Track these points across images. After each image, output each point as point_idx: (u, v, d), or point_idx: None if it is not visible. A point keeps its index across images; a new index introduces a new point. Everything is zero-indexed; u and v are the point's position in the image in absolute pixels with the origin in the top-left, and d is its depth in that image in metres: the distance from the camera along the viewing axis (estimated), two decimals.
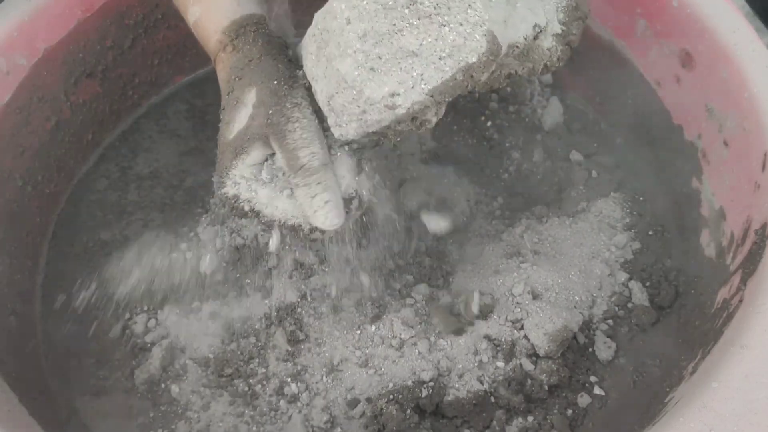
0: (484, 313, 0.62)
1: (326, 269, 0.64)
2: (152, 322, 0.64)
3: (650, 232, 0.69)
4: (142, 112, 0.78)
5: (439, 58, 0.45)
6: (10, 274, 0.64)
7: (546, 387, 0.59)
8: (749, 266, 0.54)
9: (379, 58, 0.46)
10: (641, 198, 0.72)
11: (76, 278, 0.68)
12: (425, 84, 0.46)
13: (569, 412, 0.59)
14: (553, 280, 0.65)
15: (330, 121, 0.50)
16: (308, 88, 0.52)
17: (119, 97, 0.76)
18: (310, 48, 0.50)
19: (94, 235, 0.70)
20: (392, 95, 0.46)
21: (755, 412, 0.44)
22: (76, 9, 0.68)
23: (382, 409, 0.57)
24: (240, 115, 0.54)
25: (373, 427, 0.57)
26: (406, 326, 0.62)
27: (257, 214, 0.53)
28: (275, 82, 0.53)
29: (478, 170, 0.73)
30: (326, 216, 0.50)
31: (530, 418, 0.59)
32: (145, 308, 0.65)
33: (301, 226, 0.52)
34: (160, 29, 0.75)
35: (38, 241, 0.69)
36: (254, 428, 0.58)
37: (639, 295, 0.65)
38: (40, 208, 0.69)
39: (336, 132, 0.50)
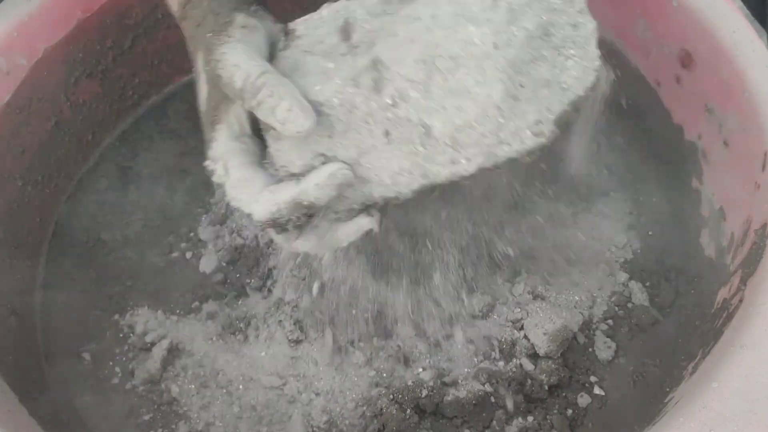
0: (484, 313, 0.62)
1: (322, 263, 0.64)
2: (152, 322, 0.64)
3: (650, 232, 0.69)
4: (142, 112, 0.78)
5: (562, 89, 0.46)
6: (10, 274, 0.64)
7: (546, 387, 0.59)
8: (749, 266, 0.54)
9: (522, 86, 0.45)
10: (641, 198, 0.72)
11: (76, 278, 0.68)
12: (551, 114, 0.46)
13: (569, 412, 0.60)
14: (553, 279, 0.65)
15: (441, 158, 0.46)
16: (239, 26, 0.49)
17: (119, 97, 0.76)
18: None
19: (94, 235, 0.70)
20: (537, 123, 0.46)
21: (755, 412, 0.44)
22: (76, 9, 0.68)
23: (382, 409, 0.58)
24: (201, 84, 0.50)
25: (373, 427, 0.57)
26: (407, 326, 0.62)
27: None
28: (208, 39, 0.49)
29: None
30: (295, 122, 0.45)
31: (530, 418, 0.59)
32: (146, 308, 0.65)
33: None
34: (160, 29, 0.75)
35: (38, 241, 0.69)
36: (254, 428, 0.58)
37: (639, 295, 0.65)
38: (40, 208, 0.69)
39: (450, 170, 0.46)
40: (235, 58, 0.47)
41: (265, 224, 0.48)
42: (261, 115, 0.46)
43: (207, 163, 0.49)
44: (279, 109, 0.45)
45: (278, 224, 0.48)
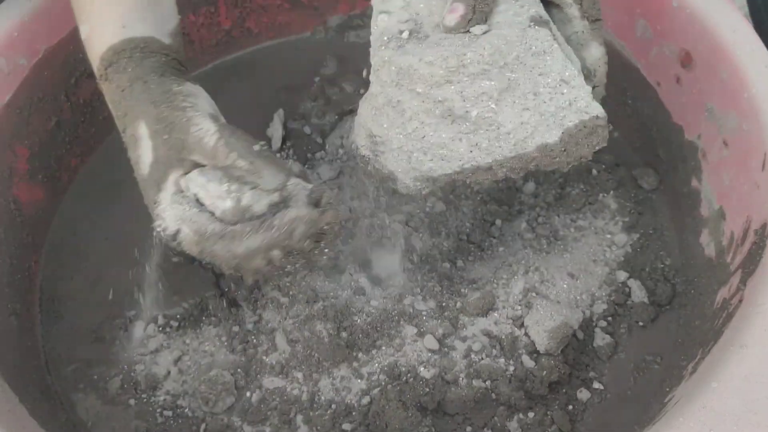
0: (485, 310, 0.62)
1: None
2: (151, 327, 0.64)
3: (650, 232, 0.69)
4: None
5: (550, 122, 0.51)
6: (10, 274, 0.64)
7: (546, 384, 0.59)
8: (749, 266, 0.54)
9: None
10: (641, 197, 0.72)
11: (77, 278, 0.68)
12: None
13: (569, 407, 0.60)
14: (553, 278, 0.65)
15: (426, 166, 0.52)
16: (186, 95, 0.53)
17: None
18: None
19: (94, 234, 0.70)
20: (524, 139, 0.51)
21: (755, 412, 0.44)
22: None
23: (384, 406, 0.58)
24: (144, 150, 0.52)
25: (376, 424, 0.57)
26: (408, 324, 0.62)
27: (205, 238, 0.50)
28: (153, 107, 0.52)
29: None
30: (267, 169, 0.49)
31: (531, 414, 0.59)
32: (146, 312, 0.65)
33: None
34: None
35: (38, 241, 0.69)
36: (258, 430, 0.59)
37: (638, 293, 0.65)
38: (41, 208, 0.69)
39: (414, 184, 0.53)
40: (202, 123, 0.50)
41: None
42: (230, 168, 0.49)
43: (158, 222, 0.51)
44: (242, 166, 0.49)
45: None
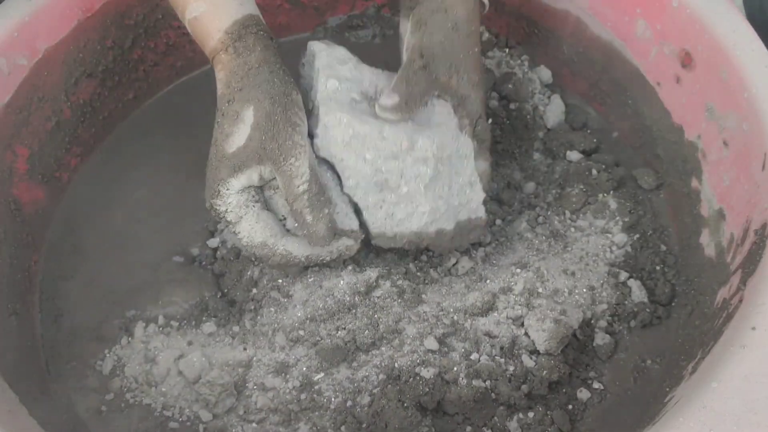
0: (484, 310, 0.62)
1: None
2: (151, 327, 0.64)
3: (650, 232, 0.69)
4: (142, 111, 0.78)
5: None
6: (10, 274, 0.64)
7: (546, 383, 0.59)
8: (749, 266, 0.54)
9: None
10: (641, 197, 0.72)
11: (77, 278, 0.68)
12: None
13: (569, 407, 0.60)
14: (553, 277, 0.65)
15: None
16: (299, 108, 0.58)
17: (119, 97, 0.76)
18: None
19: (94, 234, 0.70)
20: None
21: (755, 412, 0.44)
22: (77, 9, 0.68)
23: (384, 406, 0.58)
24: (239, 132, 0.56)
25: (376, 424, 0.57)
26: (408, 324, 0.62)
27: (238, 238, 0.59)
28: (270, 103, 0.56)
29: None
30: (316, 239, 0.57)
31: (531, 414, 0.59)
32: (146, 313, 0.65)
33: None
34: (160, 29, 0.75)
35: (38, 241, 0.69)
36: (258, 430, 0.59)
37: (638, 293, 0.65)
38: (41, 208, 0.69)
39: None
40: (299, 162, 0.56)
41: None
42: (298, 217, 0.57)
43: (218, 203, 0.58)
44: (317, 225, 0.57)
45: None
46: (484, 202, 0.65)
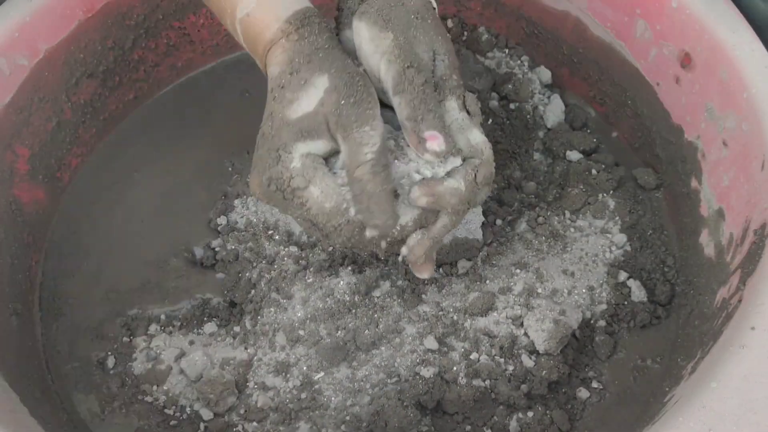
0: (484, 310, 0.62)
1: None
2: (152, 326, 0.64)
3: (650, 232, 0.69)
4: (143, 111, 0.78)
5: None
6: (11, 274, 0.64)
7: (546, 383, 0.59)
8: (748, 266, 0.55)
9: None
10: (641, 197, 0.72)
11: (77, 278, 0.68)
12: None
13: (569, 407, 0.60)
14: (553, 278, 0.65)
15: None
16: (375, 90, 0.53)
17: (120, 97, 0.76)
18: None
19: (94, 234, 0.70)
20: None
21: (755, 412, 0.44)
22: (77, 9, 0.68)
23: (384, 406, 0.58)
24: (308, 96, 0.52)
25: (375, 424, 0.58)
26: (408, 324, 0.62)
27: (302, 203, 0.52)
28: (349, 74, 0.52)
29: None
30: (384, 212, 0.51)
31: (530, 414, 0.59)
32: (148, 312, 0.65)
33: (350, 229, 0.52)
34: (161, 30, 0.75)
35: (39, 240, 0.69)
36: (259, 430, 0.59)
37: (638, 293, 0.65)
38: (41, 208, 0.69)
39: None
40: (374, 132, 0.51)
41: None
42: (356, 188, 0.51)
43: (278, 170, 0.52)
44: (376, 198, 0.50)
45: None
46: (483, 226, 0.66)
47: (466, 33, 0.82)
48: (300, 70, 0.52)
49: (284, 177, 0.52)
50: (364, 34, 0.55)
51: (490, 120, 0.76)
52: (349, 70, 0.52)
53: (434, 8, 0.58)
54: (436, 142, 0.52)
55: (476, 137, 0.54)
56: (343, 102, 0.51)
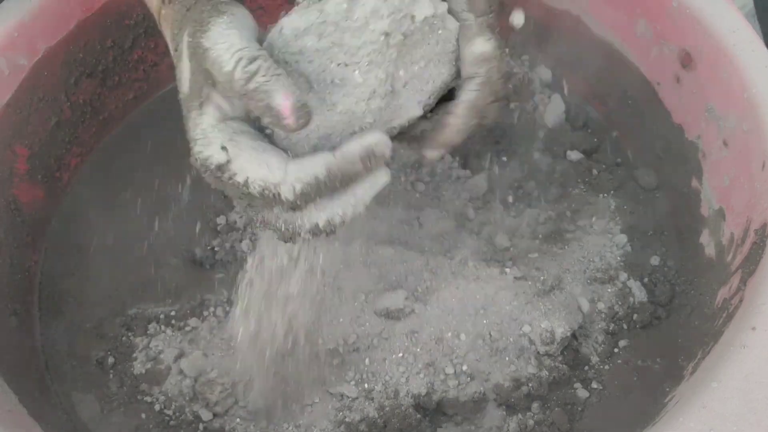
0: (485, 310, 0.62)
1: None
2: (152, 326, 0.64)
3: (650, 232, 0.69)
4: (143, 111, 0.78)
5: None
6: (10, 274, 0.64)
7: (546, 384, 0.59)
8: (749, 266, 0.54)
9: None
10: (641, 197, 0.72)
11: (77, 278, 0.68)
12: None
13: (568, 407, 0.60)
14: (553, 277, 0.65)
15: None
16: (232, 14, 0.46)
17: (119, 97, 0.76)
18: None
19: (94, 234, 0.70)
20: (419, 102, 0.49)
21: (755, 412, 0.44)
22: (77, 9, 0.68)
23: (384, 407, 0.58)
24: (183, 64, 0.46)
25: (375, 425, 0.58)
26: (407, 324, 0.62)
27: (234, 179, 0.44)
28: (198, 14, 0.45)
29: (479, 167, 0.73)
30: (290, 118, 0.41)
31: (530, 414, 0.59)
32: (147, 311, 0.65)
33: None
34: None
35: (38, 240, 0.69)
36: (258, 430, 0.59)
37: (638, 293, 0.65)
38: (41, 208, 0.69)
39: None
40: (227, 36, 0.43)
41: (289, 203, 0.44)
42: (251, 106, 0.43)
43: (197, 149, 0.45)
44: (273, 103, 0.41)
45: (301, 202, 0.44)
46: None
47: None
48: (178, 43, 0.47)
49: (207, 156, 0.44)
50: None
51: None
52: (201, 9, 0.45)
53: None
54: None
55: (475, 50, 0.48)
56: (190, 39, 0.45)
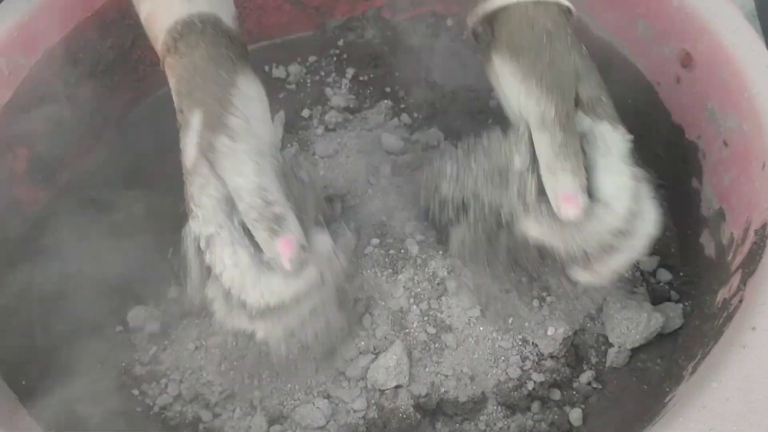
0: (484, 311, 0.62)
1: None
2: (153, 326, 0.64)
3: None
4: (143, 111, 0.78)
5: None
6: (11, 274, 0.64)
7: (547, 385, 0.59)
8: (749, 266, 0.54)
9: None
10: None
11: (77, 278, 0.68)
12: None
13: (568, 408, 0.60)
14: (553, 278, 0.65)
15: None
16: (247, 98, 0.50)
17: (120, 97, 0.76)
18: None
19: (94, 234, 0.70)
20: None
21: (755, 412, 0.44)
22: (77, 9, 0.68)
23: (383, 406, 0.58)
24: (190, 141, 0.50)
25: (375, 425, 0.58)
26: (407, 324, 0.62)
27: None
28: (211, 102, 0.49)
29: None
30: (285, 262, 0.46)
31: (530, 415, 0.59)
32: (148, 309, 0.65)
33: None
34: None
35: (38, 240, 0.69)
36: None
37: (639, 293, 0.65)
38: (41, 208, 0.69)
39: None
40: (245, 165, 0.47)
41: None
42: (255, 233, 0.47)
43: (194, 227, 0.49)
44: (274, 246, 0.46)
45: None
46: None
47: (466, 32, 0.82)
48: (183, 108, 0.50)
49: (198, 233, 0.49)
50: (500, 69, 0.52)
51: (490, 120, 0.76)
52: (213, 94, 0.48)
53: (568, 17, 0.53)
54: (571, 207, 0.48)
55: (619, 183, 0.50)
56: (200, 140, 0.48)
